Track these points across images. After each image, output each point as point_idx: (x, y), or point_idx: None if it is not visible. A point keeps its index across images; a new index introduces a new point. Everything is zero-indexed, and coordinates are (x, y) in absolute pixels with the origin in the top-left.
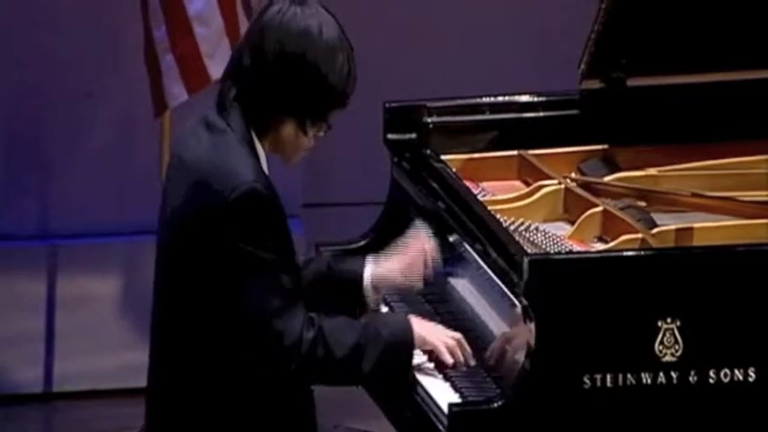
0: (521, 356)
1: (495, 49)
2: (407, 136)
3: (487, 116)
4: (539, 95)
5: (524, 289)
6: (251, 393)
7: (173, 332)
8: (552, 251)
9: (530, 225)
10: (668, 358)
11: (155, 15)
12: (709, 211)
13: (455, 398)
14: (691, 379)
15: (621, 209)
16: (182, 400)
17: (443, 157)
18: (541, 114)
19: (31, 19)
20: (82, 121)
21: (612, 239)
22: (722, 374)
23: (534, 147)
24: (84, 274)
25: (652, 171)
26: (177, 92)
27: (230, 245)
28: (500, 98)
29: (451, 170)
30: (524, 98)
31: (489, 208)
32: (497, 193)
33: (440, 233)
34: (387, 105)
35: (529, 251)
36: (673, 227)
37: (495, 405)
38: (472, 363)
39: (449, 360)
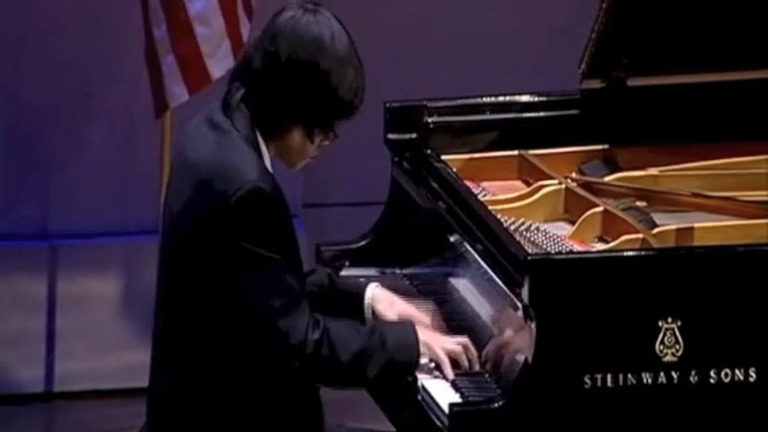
0: (521, 356)
1: (496, 49)
2: (408, 136)
3: (488, 116)
4: (539, 95)
5: (525, 289)
6: (254, 393)
7: (176, 331)
8: (553, 251)
9: (530, 225)
10: (669, 358)
11: (155, 15)
12: (710, 211)
13: (456, 398)
14: (691, 379)
15: (622, 209)
16: (184, 400)
17: (444, 157)
18: (542, 114)
19: (31, 19)
20: (82, 121)
21: (613, 239)
22: (723, 374)
23: (535, 147)
24: (84, 274)
25: (652, 171)
26: (178, 92)
27: (235, 244)
28: (501, 98)
29: (452, 170)
30: (525, 98)
31: (490, 208)
32: (498, 193)
33: (440, 232)
34: (387, 105)
35: (529, 251)
36: (673, 227)
37: (496, 405)
38: (477, 368)
39: (450, 375)
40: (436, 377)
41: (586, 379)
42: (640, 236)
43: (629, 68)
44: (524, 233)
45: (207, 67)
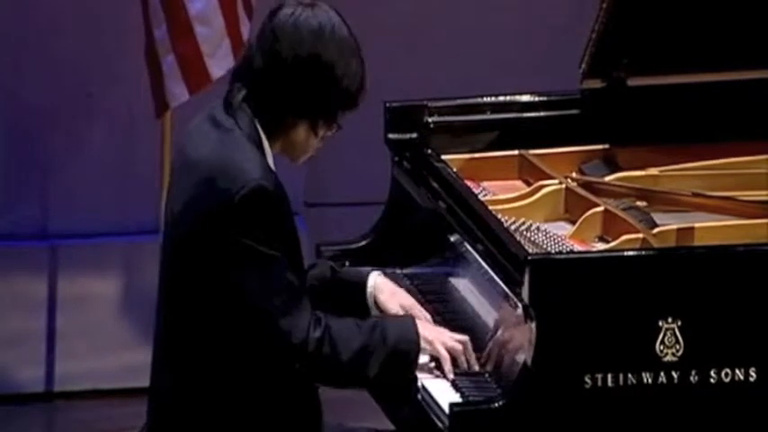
0: (521, 356)
1: (496, 49)
2: (408, 136)
3: (488, 116)
4: (540, 95)
5: (525, 289)
6: (255, 393)
7: (178, 330)
8: (553, 251)
9: (531, 225)
10: (669, 358)
11: (155, 15)
12: (710, 210)
13: (456, 397)
14: (692, 379)
15: (622, 209)
16: (185, 400)
17: (444, 157)
18: (542, 114)
19: (31, 19)
20: (82, 121)
21: (613, 239)
22: (723, 374)
23: (535, 146)
24: (84, 274)
25: (653, 171)
26: (178, 92)
27: (237, 242)
28: (501, 98)
29: (452, 170)
30: (525, 98)
31: (490, 208)
32: (498, 193)
33: (440, 231)
34: (387, 105)
35: (530, 251)
36: (674, 227)
37: (497, 405)
38: (476, 368)
39: (450, 372)
40: (437, 377)
41: (587, 379)
42: (641, 236)
43: (629, 68)
44: (525, 233)
45: (207, 66)
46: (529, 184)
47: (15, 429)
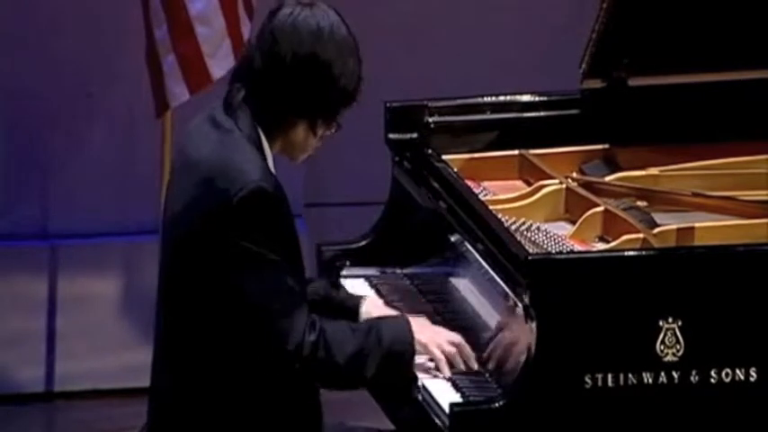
0: (522, 356)
1: (496, 49)
2: (408, 136)
3: (489, 116)
4: (540, 95)
5: (525, 289)
6: (255, 392)
7: (177, 330)
8: (553, 251)
9: (531, 225)
10: (669, 358)
11: (156, 15)
12: (710, 210)
13: (456, 397)
14: (692, 379)
15: (623, 209)
16: (185, 400)
17: (444, 157)
18: (542, 114)
19: (31, 19)
20: (82, 121)
21: (614, 239)
22: (723, 374)
23: (535, 146)
24: (84, 274)
25: (653, 171)
26: (179, 92)
27: (236, 243)
28: (501, 98)
29: (453, 170)
30: (525, 98)
31: (490, 207)
32: (498, 193)
33: (441, 231)
34: (388, 105)
35: (530, 251)
36: (674, 226)
37: (497, 405)
38: (475, 366)
39: (447, 374)
40: (435, 376)
41: (587, 379)
42: (641, 236)
43: (630, 68)
44: (525, 233)
45: (207, 66)
46: (529, 184)
47: (15, 429)
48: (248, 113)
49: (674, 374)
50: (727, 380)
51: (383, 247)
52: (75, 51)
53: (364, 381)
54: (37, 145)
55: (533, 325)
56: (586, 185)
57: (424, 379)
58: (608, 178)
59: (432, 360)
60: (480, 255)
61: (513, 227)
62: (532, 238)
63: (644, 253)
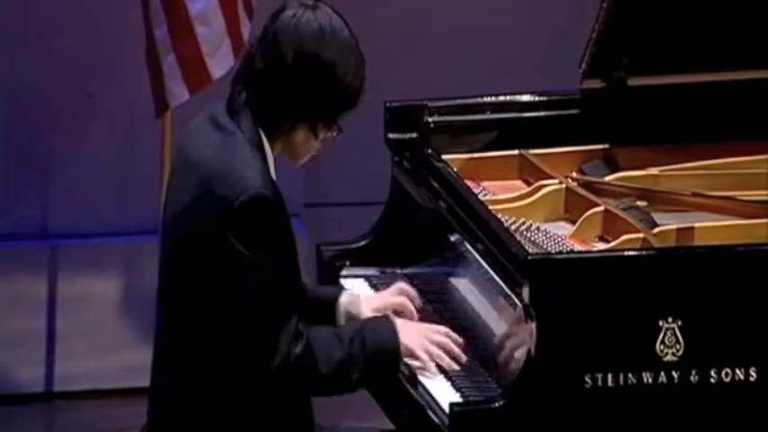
0: (522, 356)
1: (496, 49)
2: (408, 135)
3: (488, 116)
4: (540, 95)
5: (525, 288)
6: (249, 393)
7: (176, 330)
8: (553, 251)
9: (531, 225)
10: (669, 358)
11: (156, 15)
12: (710, 210)
13: (456, 397)
14: (692, 379)
15: (622, 208)
16: (185, 400)
17: (444, 157)
18: (542, 114)
19: (31, 19)
20: (82, 121)
21: (613, 239)
22: (723, 374)
23: (535, 146)
24: (84, 274)
25: (653, 171)
26: (178, 92)
27: (231, 247)
28: (501, 98)
29: (452, 170)
30: (525, 98)
31: (490, 207)
32: (498, 193)
33: (440, 231)
34: (387, 105)
35: (530, 251)
36: (674, 226)
37: (497, 404)
38: (463, 359)
39: (433, 370)
40: (436, 377)
41: (587, 378)
42: (641, 235)
43: (630, 68)
44: (525, 233)
45: (207, 66)
46: (529, 184)
47: (15, 429)
48: (250, 115)
49: (674, 374)
50: (727, 380)
51: (383, 247)
52: (75, 51)
53: (351, 387)
54: (37, 145)
55: (533, 325)
56: (586, 185)
57: (423, 379)
58: (608, 178)
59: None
60: (480, 255)
61: (513, 227)
62: (532, 238)
63: (644, 253)
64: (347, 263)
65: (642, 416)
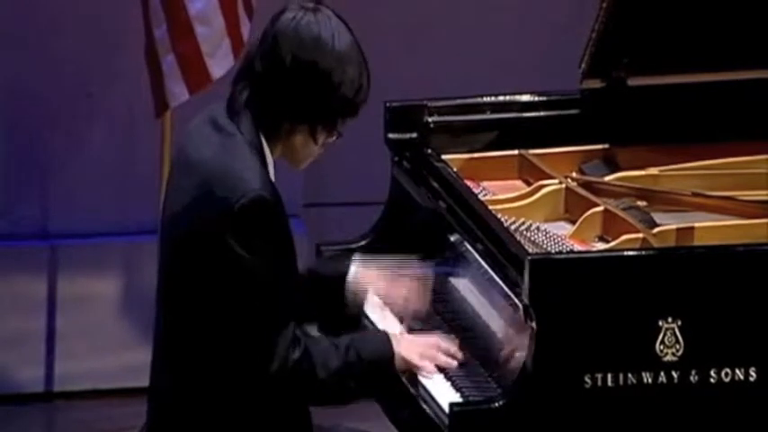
0: (522, 356)
1: (496, 49)
2: (408, 135)
3: (488, 116)
4: (539, 95)
5: (525, 288)
6: (250, 394)
7: (176, 330)
8: (553, 251)
9: (531, 225)
10: (669, 358)
11: (155, 15)
12: (710, 210)
13: (456, 397)
14: (692, 379)
15: (622, 208)
16: (184, 400)
17: (444, 157)
18: (542, 114)
19: (31, 19)
20: (82, 121)
21: (613, 239)
22: (723, 374)
23: (535, 146)
24: (84, 274)
25: (653, 171)
26: (178, 91)
27: (231, 251)
28: (501, 98)
29: (452, 170)
30: (525, 98)
31: (490, 207)
32: (498, 193)
33: (440, 231)
34: (387, 105)
35: (530, 251)
36: (674, 226)
37: (496, 404)
38: (460, 356)
39: (432, 372)
40: (436, 377)
41: (587, 378)
42: (641, 235)
43: (629, 68)
44: (525, 233)
45: (207, 66)
46: (529, 184)
47: (15, 429)
48: (250, 117)
49: (674, 374)
50: (727, 380)
51: (383, 248)
52: (75, 51)
53: (347, 395)
54: (37, 145)
55: (533, 325)
56: (586, 185)
57: (423, 379)
58: (608, 178)
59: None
60: (480, 255)
61: (513, 227)
62: (532, 238)
63: (644, 253)
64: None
65: (642, 416)
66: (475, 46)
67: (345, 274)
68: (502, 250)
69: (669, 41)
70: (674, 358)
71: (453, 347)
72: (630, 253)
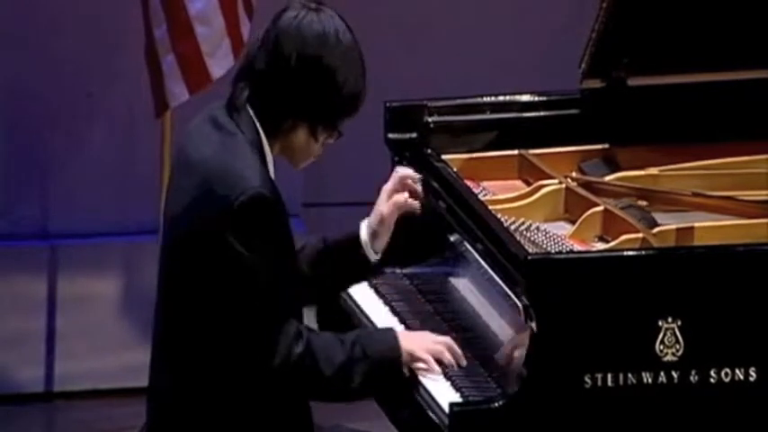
0: (521, 356)
1: (496, 49)
2: (408, 135)
3: (488, 116)
4: (539, 95)
5: (525, 288)
6: (248, 394)
7: (176, 330)
8: (553, 251)
9: (530, 224)
10: (669, 358)
11: (155, 15)
12: (710, 210)
13: (456, 397)
14: (691, 379)
15: (622, 208)
16: (184, 400)
17: (444, 157)
18: (542, 114)
19: (31, 19)
20: (82, 121)
21: (613, 239)
22: (723, 374)
23: (535, 146)
24: (84, 274)
25: (653, 170)
26: (178, 91)
27: (232, 249)
28: (501, 98)
29: (452, 170)
30: (525, 98)
31: (490, 207)
32: (498, 193)
33: (440, 231)
34: (387, 105)
35: (530, 251)
36: (673, 226)
37: (496, 404)
38: (464, 362)
39: (437, 370)
40: (436, 377)
41: (587, 378)
42: (640, 235)
43: (629, 68)
44: (524, 233)
45: (207, 66)
46: (529, 184)
47: (15, 429)
48: (250, 115)
49: (674, 374)
50: (727, 380)
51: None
52: (75, 51)
53: (351, 393)
54: (37, 145)
55: (533, 325)
56: (586, 185)
57: (423, 379)
58: (607, 178)
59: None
60: (480, 255)
61: (513, 227)
62: (532, 238)
63: (643, 253)
64: None
65: (642, 416)
66: (475, 46)
67: (356, 236)
68: (502, 250)
69: (669, 41)
70: (674, 358)
71: (460, 350)
72: (630, 253)
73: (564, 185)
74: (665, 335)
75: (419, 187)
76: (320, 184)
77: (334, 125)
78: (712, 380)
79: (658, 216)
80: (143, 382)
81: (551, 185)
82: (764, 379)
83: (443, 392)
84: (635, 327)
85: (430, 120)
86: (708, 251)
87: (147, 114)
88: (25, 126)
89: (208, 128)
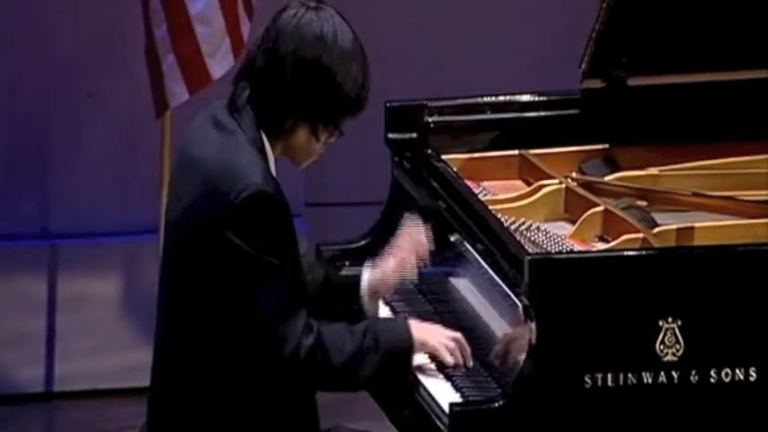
0: (521, 356)
1: (497, 49)
2: (408, 135)
3: (488, 115)
4: (540, 95)
5: (525, 288)
6: (253, 394)
7: (177, 331)
8: (553, 251)
9: (531, 224)
10: (669, 358)
11: (156, 15)
12: (710, 210)
13: (456, 397)
14: (692, 379)
15: (622, 208)
16: (184, 400)
17: (444, 157)
18: (542, 114)
19: (31, 19)
20: (82, 121)
21: (613, 239)
22: (723, 374)
23: (535, 146)
24: (84, 274)
25: (653, 171)
26: (178, 91)
27: (236, 247)
28: (501, 98)
29: (452, 169)
30: (525, 98)
31: (490, 207)
32: (498, 193)
33: (438, 230)
34: (388, 105)
35: (530, 251)
36: (674, 226)
37: (497, 405)
38: (471, 363)
39: (449, 361)
40: (437, 376)
41: (587, 378)
42: (641, 235)
43: (629, 68)
44: (525, 233)
45: (207, 66)
46: (529, 184)
47: (15, 429)
48: (251, 114)
49: (674, 374)
50: (727, 380)
51: (383, 248)
52: (75, 51)
53: (362, 383)
54: (37, 145)
55: (533, 325)
56: (586, 185)
57: (423, 379)
58: (608, 178)
59: (433, 360)
60: (480, 255)
61: (513, 227)
62: (532, 238)
63: (643, 253)
64: (347, 263)
65: (642, 416)
66: (475, 46)
67: (358, 281)
68: (502, 250)
69: (669, 41)
70: (674, 358)
71: (469, 350)
72: (630, 253)
73: (564, 185)
74: (665, 335)
75: (428, 250)
76: (321, 184)
77: (335, 124)
78: (712, 380)
79: (658, 216)
80: (143, 382)
81: (551, 185)
82: (764, 379)
83: (443, 392)
84: (635, 327)
85: (430, 120)
86: (708, 251)
87: (147, 114)
88: (25, 126)
89: (209, 127)
